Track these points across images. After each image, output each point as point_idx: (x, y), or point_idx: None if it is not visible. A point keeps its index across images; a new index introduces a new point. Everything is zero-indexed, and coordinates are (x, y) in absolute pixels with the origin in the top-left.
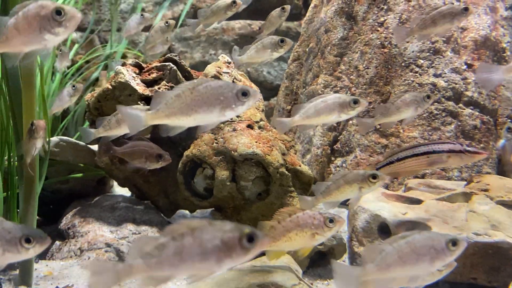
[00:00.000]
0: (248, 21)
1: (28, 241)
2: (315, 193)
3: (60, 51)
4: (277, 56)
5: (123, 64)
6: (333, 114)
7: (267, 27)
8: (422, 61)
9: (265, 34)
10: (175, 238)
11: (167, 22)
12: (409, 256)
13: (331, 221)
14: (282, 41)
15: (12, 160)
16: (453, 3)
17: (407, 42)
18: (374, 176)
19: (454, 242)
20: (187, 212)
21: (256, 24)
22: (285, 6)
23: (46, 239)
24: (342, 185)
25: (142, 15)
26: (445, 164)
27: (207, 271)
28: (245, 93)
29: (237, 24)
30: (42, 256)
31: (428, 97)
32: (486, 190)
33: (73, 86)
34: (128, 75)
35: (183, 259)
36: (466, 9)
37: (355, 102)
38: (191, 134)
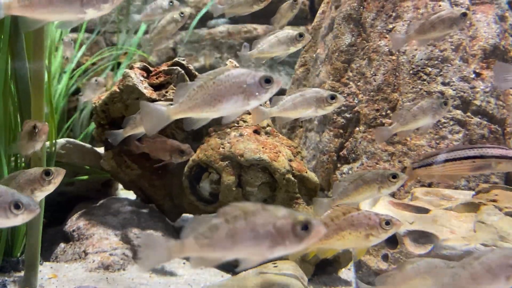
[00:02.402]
0: (254, 25)
1: (17, 207)
2: (333, 194)
3: (62, 40)
4: (294, 51)
5: (131, 67)
6: (310, 108)
7: (277, 20)
8: (430, 69)
9: (276, 28)
10: (228, 220)
11: (182, 13)
12: (484, 278)
13: (388, 223)
14: (300, 35)
15: (19, 161)
16: (459, 10)
17: (415, 50)
18: (395, 176)
19: None
20: (192, 216)
21: (261, 28)
22: None
23: (35, 207)
24: (360, 186)
25: (171, 1)
26: (492, 170)
27: (259, 256)
28: (268, 80)
29: (243, 28)
30: (46, 258)
31: (446, 103)
32: (494, 201)
33: (95, 80)
34: (136, 78)
35: (234, 242)
36: (464, 14)
37: (332, 97)
38: (197, 138)
